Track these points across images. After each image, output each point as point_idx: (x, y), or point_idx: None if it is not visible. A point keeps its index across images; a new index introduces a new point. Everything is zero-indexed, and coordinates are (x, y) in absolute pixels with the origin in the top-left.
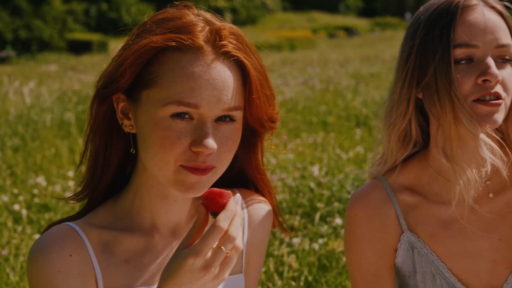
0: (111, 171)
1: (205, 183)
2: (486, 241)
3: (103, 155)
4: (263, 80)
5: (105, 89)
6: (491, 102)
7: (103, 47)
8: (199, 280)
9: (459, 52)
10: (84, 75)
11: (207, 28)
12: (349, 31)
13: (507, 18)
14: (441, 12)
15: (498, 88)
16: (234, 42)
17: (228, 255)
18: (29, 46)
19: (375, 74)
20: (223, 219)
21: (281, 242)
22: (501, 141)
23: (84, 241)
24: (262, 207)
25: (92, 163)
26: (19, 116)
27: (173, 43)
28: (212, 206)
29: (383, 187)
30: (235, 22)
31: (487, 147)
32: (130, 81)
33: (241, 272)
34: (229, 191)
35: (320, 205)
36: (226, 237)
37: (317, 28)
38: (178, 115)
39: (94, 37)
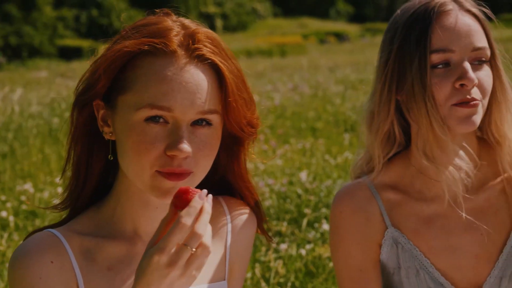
0: (93, 179)
1: None
2: (468, 236)
3: (85, 163)
4: (240, 83)
5: (83, 96)
6: (469, 103)
7: (93, 53)
8: (166, 278)
9: (436, 58)
10: (73, 81)
11: (182, 32)
12: (340, 37)
13: (482, 21)
14: (418, 17)
15: (475, 93)
16: (209, 45)
17: (194, 253)
18: (20, 52)
19: (364, 79)
20: (185, 215)
21: (268, 248)
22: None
23: (66, 248)
24: (245, 214)
25: (74, 172)
26: (7, 123)
27: (146, 47)
28: (179, 203)
29: (367, 185)
30: (225, 28)
31: (456, 155)
32: (106, 87)
33: (224, 279)
34: (198, 190)
35: (307, 211)
36: (192, 235)
37: (308, 34)
38: (152, 119)
39: (85, 43)
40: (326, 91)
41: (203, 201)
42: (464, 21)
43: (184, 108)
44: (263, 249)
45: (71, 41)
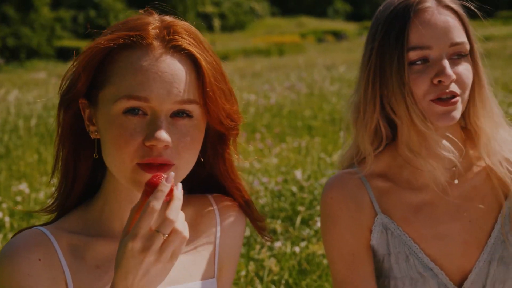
0: (81, 179)
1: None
2: (456, 223)
3: (72, 163)
4: (218, 75)
5: (66, 95)
6: (448, 101)
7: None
8: (141, 264)
9: (413, 54)
10: None
11: (159, 25)
12: (338, 36)
13: (461, 16)
14: (397, 14)
15: (454, 87)
16: (186, 37)
17: (167, 238)
18: (18, 54)
19: None
20: (153, 200)
21: (262, 246)
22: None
23: (54, 246)
24: (234, 212)
25: (63, 172)
26: (3, 124)
27: (122, 41)
28: (148, 189)
29: (357, 174)
30: (223, 27)
31: (439, 145)
32: (87, 85)
33: (214, 277)
34: (165, 175)
35: (301, 208)
36: (163, 221)
37: (306, 33)
38: (131, 111)
39: (83, 44)
40: (322, 90)
41: (171, 184)
42: (442, 17)
43: (160, 98)
44: (257, 247)
45: (69, 42)
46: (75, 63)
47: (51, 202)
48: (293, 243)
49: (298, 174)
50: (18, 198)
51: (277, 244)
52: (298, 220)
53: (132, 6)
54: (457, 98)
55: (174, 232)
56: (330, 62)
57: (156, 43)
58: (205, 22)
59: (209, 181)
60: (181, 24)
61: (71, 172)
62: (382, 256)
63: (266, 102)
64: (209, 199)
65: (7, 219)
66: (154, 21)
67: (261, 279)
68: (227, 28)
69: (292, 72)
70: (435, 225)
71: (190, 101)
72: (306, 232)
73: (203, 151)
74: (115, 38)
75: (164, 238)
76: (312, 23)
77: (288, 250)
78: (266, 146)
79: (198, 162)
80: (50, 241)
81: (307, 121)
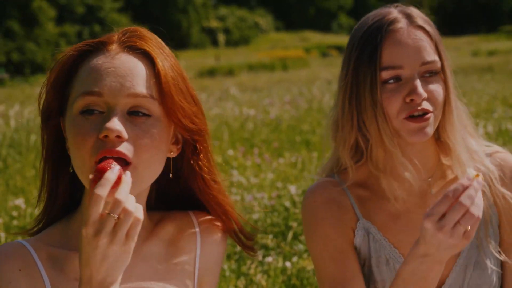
0: (61, 196)
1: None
2: None
3: (53, 181)
4: (176, 74)
5: (43, 114)
6: (420, 118)
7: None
8: (97, 249)
9: (386, 74)
10: None
11: (120, 32)
12: (341, 50)
13: (432, 35)
14: (370, 34)
15: (426, 105)
16: (143, 38)
17: (118, 219)
18: (22, 69)
19: None
20: (98, 187)
21: (253, 261)
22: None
23: (34, 257)
24: (213, 230)
25: (47, 190)
26: (3, 138)
27: (85, 47)
28: (98, 175)
29: (337, 182)
30: (228, 42)
31: (403, 166)
32: (58, 100)
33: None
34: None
35: (294, 224)
36: (113, 203)
37: (310, 47)
38: (88, 112)
39: None
40: (321, 104)
41: (118, 172)
42: (414, 37)
43: (113, 91)
44: (249, 262)
45: None
46: (45, 81)
47: (34, 224)
48: (285, 258)
49: (293, 189)
50: (14, 213)
51: (268, 259)
52: (290, 235)
53: (137, 20)
54: (429, 114)
55: (124, 212)
56: (332, 76)
57: (113, 46)
58: (209, 37)
59: (191, 198)
60: (142, 30)
61: (53, 189)
62: (363, 260)
63: (266, 117)
64: (190, 215)
65: (2, 234)
66: (118, 32)
67: None
68: (231, 43)
69: (293, 86)
70: (413, 233)
71: (144, 95)
72: (299, 247)
73: (178, 167)
74: (78, 46)
75: (116, 219)
76: (316, 37)
77: (280, 265)
78: (263, 161)
79: (171, 178)
80: (30, 253)
81: (305, 136)
